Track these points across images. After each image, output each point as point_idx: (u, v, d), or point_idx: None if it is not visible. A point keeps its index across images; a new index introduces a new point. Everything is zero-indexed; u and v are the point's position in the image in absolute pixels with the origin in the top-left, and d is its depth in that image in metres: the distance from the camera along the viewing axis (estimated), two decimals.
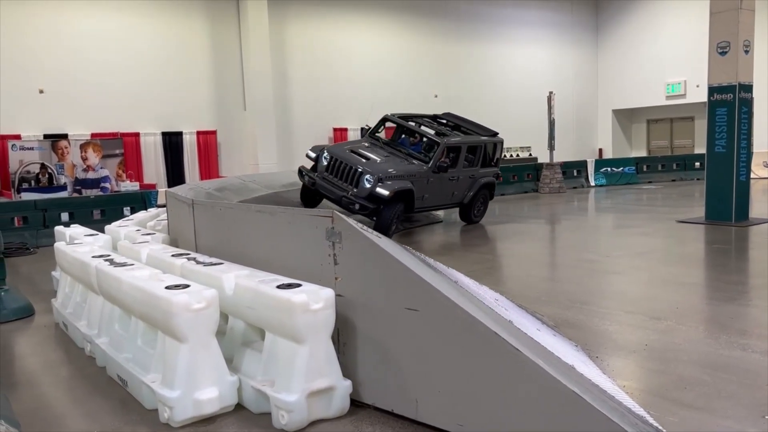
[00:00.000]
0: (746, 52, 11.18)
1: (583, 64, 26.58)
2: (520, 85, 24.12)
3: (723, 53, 11.18)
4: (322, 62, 19.81)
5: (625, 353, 4.70)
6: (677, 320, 5.39)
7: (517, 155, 23.50)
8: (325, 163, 10.29)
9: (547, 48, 25.33)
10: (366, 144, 11.18)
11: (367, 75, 20.51)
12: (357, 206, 9.82)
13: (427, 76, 21.79)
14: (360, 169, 9.96)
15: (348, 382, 3.64)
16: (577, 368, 3.48)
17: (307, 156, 10.82)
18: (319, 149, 10.68)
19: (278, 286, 3.63)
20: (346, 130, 20.26)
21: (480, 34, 23.31)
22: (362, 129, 10.44)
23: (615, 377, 4.05)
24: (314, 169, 10.49)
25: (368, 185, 9.80)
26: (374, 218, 10.17)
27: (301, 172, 10.77)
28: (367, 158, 10.42)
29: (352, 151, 10.61)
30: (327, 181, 10.25)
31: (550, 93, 19.52)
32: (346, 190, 9.98)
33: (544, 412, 2.92)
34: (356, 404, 3.71)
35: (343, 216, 3.81)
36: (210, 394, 3.57)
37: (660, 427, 3.12)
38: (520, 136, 23.67)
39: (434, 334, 3.36)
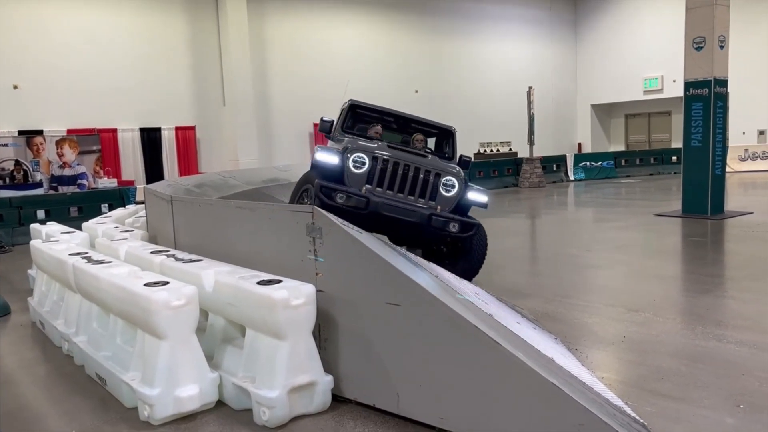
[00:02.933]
0: (721, 47, 11.34)
1: (562, 59, 26.78)
2: (500, 81, 24.25)
3: (699, 48, 11.33)
4: (303, 58, 19.73)
5: (604, 345, 4.75)
6: (655, 312, 5.47)
7: (498, 150, 23.64)
8: (366, 168, 6.08)
9: (527, 44, 25.47)
10: (364, 141, 7.23)
11: (347, 70, 20.43)
12: (456, 227, 6.11)
13: (407, 72, 21.81)
14: (433, 170, 6.27)
15: (329, 378, 3.64)
16: (556, 360, 3.51)
17: (318, 163, 6.21)
18: (339, 150, 6.32)
19: (259, 283, 3.62)
20: None
21: (460, 30, 23.37)
22: (322, 120, 7.35)
23: (594, 369, 4.09)
24: (338, 181, 6.14)
25: (452, 192, 6.28)
26: (463, 244, 6.47)
27: (319, 189, 5.89)
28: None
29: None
30: (384, 196, 6.14)
31: (530, 88, 19.64)
32: (419, 205, 6.18)
33: (523, 404, 2.95)
34: (338, 399, 3.72)
35: (323, 211, 3.81)
36: (190, 391, 3.55)
37: (638, 417, 3.16)
38: (501, 131, 23.83)
39: (415, 329, 3.38)
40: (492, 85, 24.10)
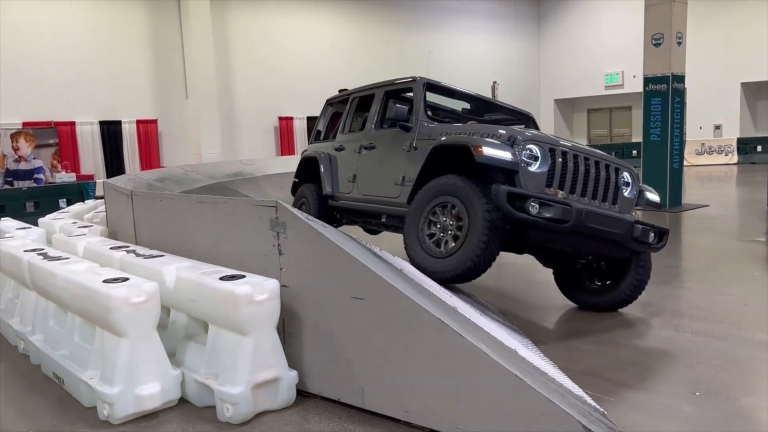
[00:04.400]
0: (679, 43, 11.60)
1: (526, 54, 27.07)
2: (465, 75, 24.30)
3: (657, 45, 11.57)
4: (267, 51, 19.52)
5: (565, 337, 4.83)
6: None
7: None
8: (542, 166, 4.58)
9: (491, 39, 25.67)
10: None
11: (313, 64, 20.32)
12: (654, 237, 4.95)
13: (373, 65, 21.74)
14: (612, 164, 4.98)
15: (294, 373, 3.62)
16: (519, 352, 3.56)
17: (486, 159, 4.46)
18: (507, 136, 4.66)
19: (221, 278, 3.57)
20: (291, 119, 20.07)
21: (426, 23, 23.42)
22: (396, 105, 5.53)
23: (556, 360, 4.15)
24: (508, 181, 4.53)
25: (631, 192, 5.10)
26: (636, 259, 5.20)
27: (506, 197, 4.29)
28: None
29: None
30: (583, 203, 4.68)
31: (494, 83, 19.83)
32: (616, 213, 4.87)
33: (487, 396, 2.98)
34: (303, 394, 3.70)
35: (287, 205, 3.78)
36: (152, 389, 3.48)
37: (598, 407, 3.23)
38: None
39: (380, 323, 3.38)
40: (458, 78, 24.10)
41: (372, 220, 6.27)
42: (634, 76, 22.82)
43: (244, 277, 3.58)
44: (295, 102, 19.97)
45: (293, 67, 19.87)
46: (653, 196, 5.34)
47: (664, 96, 11.55)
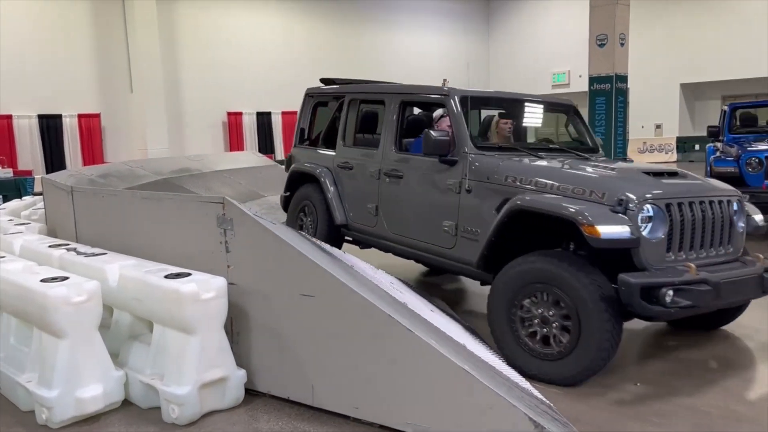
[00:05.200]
0: (622, 44, 11.95)
1: (476, 53, 27.40)
2: (416, 71, 24.39)
3: (601, 45, 11.89)
4: (215, 45, 19.17)
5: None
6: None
7: None
8: (659, 226, 3.78)
9: (442, 36, 25.88)
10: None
11: (262, 58, 20.08)
12: None
13: (323, 61, 21.60)
14: (723, 197, 4.17)
15: (242, 372, 3.57)
16: (468, 347, 3.59)
17: (608, 238, 3.61)
18: (616, 198, 3.73)
19: (166, 276, 3.48)
20: (240, 114, 19.77)
21: (377, 20, 23.43)
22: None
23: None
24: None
25: (743, 223, 4.30)
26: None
27: (638, 292, 3.52)
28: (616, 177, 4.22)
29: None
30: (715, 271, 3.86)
31: (444, 80, 19.97)
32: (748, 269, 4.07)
33: (436, 390, 3.01)
34: (251, 393, 3.65)
35: (234, 202, 3.71)
36: (93, 391, 3.37)
37: (544, 399, 3.30)
38: None
39: (330, 320, 3.37)
40: (409, 75, 24.22)
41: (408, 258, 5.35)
42: (580, 76, 23.33)
43: (190, 275, 3.50)
44: (244, 97, 19.68)
45: (242, 62, 19.59)
46: (758, 217, 4.43)
47: (608, 95, 11.89)
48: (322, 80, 6.64)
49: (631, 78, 12.78)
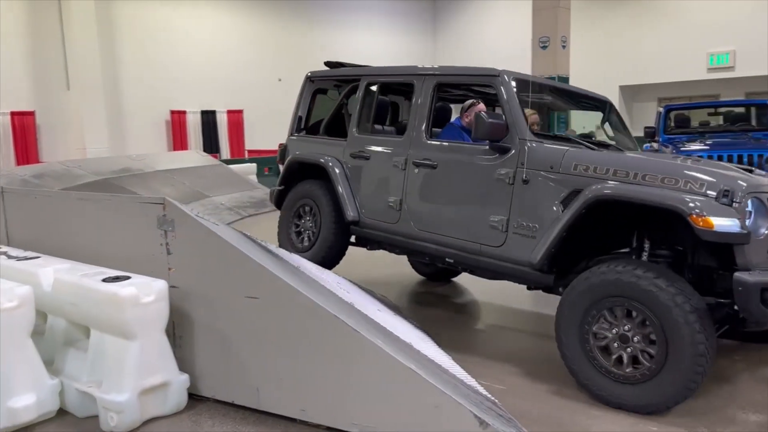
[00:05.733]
0: (563, 46, 12.26)
1: (422, 52, 27.56)
2: None
3: (544, 47, 12.16)
4: (158, 42, 18.66)
5: (461, 329, 4.96)
6: (505, 298, 5.79)
7: None
8: (761, 230, 3.37)
9: (389, 36, 25.95)
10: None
11: (206, 56, 19.66)
12: None
13: (270, 59, 21.36)
14: None
15: (185, 377, 3.48)
16: (414, 345, 3.60)
17: (718, 232, 3.22)
18: (720, 187, 3.32)
19: (104, 280, 3.37)
20: (184, 113, 19.33)
21: (324, 18, 23.30)
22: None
23: (451, 351, 4.25)
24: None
25: None
26: None
27: (759, 295, 3.14)
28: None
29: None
30: None
31: None
32: None
33: (383, 390, 3.00)
34: (195, 398, 3.57)
35: (175, 202, 3.62)
36: (26, 401, 3.22)
37: (489, 396, 3.34)
38: None
39: (275, 321, 3.33)
40: None
41: (437, 262, 4.90)
42: None
43: (129, 278, 3.39)
44: (188, 95, 19.25)
45: (187, 60, 19.13)
46: None
47: None
48: (327, 63, 5.95)
49: (573, 79, 13.11)
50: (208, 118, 19.84)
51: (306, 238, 5.45)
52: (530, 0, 12.82)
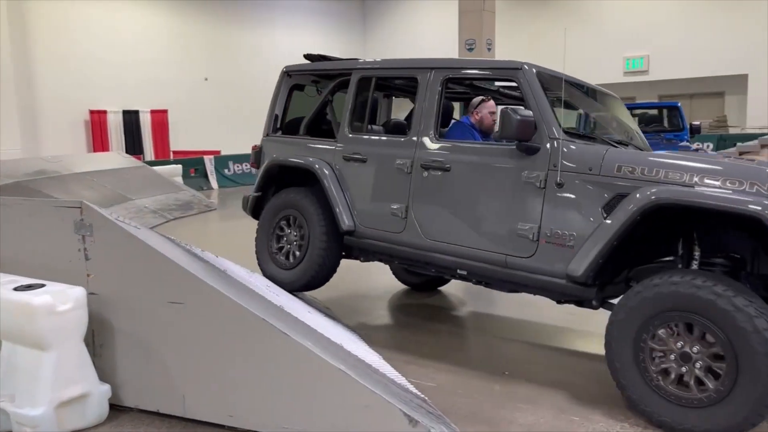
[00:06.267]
0: (488, 49, 12.56)
1: (353, 53, 27.61)
2: None
3: (470, 49, 12.42)
4: (75, 39, 17.87)
5: (392, 328, 4.99)
6: (429, 294, 5.88)
7: None
8: None
9: (319, 36, 25.82)
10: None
11: (129, 54, 18.99)
12: None
13: (196, 58, 20.85)
14: None
15: (106, 387, 3.34)
16: (345, 346, 3.61)
17: None
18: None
19: (16, 288, 3.19)
20: (105, 112, 18.60)
21: (252, 17, 22.93)
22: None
23: (381, 351, 4.28)
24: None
25: None
26: None
27: None
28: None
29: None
30: None
31: None
32: None
33: (312, 391, 2.99)
34: (117, 409, 3.43)
35: (93, 206, 3.47)
36: None
37: (419, 393, 3.38)
38: None
39: (201, 327, 3.25)
40: None
41: (445, 274, 4.52)
42: None
43: (43, 286, 3.23)
44: (109, 95, 18.53)
45: (107, 58, 18.41)
46: None
47: None
48: (307, 56, 5.41)
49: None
50: (131, 118, 19.17)
51: (291, 254, 4.86)
52: (456, 2, 13.07)
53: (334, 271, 4.81)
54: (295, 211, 4.85)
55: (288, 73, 5.35)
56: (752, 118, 17.51)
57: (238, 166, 17.72)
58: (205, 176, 16.78)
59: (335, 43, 26.70)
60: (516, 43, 22.63)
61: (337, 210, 4.57)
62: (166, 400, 3.34)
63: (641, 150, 4.16)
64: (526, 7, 22.28)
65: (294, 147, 5.09)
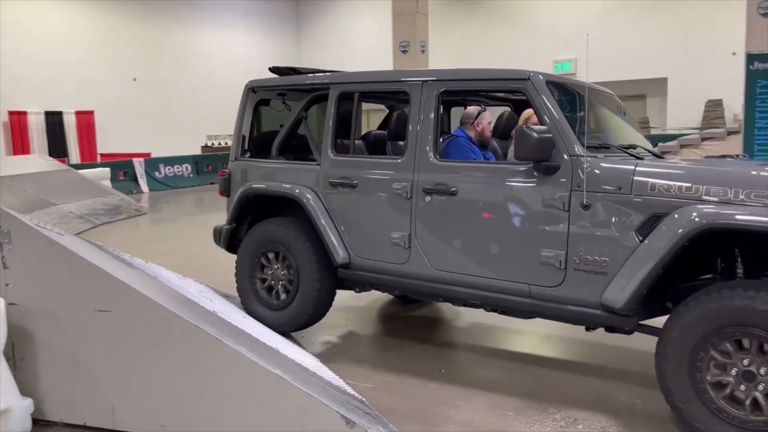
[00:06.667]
0: (422, 51, 12.70)
1: (287, 54, 27.34)
2: (226, 72, 23.74)
3: (404, 51, 12.52)
4: None
5: (329, 330, 4.97)
6: (367, 296, 5.89)
7: (227, 143, 23.21)
8: None
9: (252, 36, 25.48)
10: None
11: (51, 53, 18.17)
12: None
13: (124, 58, 20.15)
14: None
15: (28, 401, 3.19)
16: (281, 350, 3.58)
17: None
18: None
19: None
20: (25, 113, 17.74)
21: (183, 17, 22.37)
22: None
23: (318, 353, 4.27)
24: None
25: None
26: None
27: None
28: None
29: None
30: None
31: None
32: None
33: (248, 398, 2.95)
34: (41, 424, 3.28)
35: (11, 211, 3.31)
36: None
37: (356, 395, 3.39)
38: (229, 124, 23.44)
39: (130, 335, 3.15)
40: (218, 75, 23.52)
41: (456, 304, 4.19)
42: None
43: None
44: (30, 95, 17.68)
45: (26, 57, 17.54)
46: None
47: None
48: (273, 69, 4.94)
49: None
50: (54, 119, 18.35)
51: (281, 293, 4.45)
52: (390, 4, 13.15)
53: (330, 306, 4.44)
54: (280, 246, 4.40)
55: (253, 89, 4.86)
56: (672, 120, 18.40)
57: (169, 169, 17.27)
58: (135, 179, 16.27)
59: (269, 42, 26.44)
60: (450, 44, 23.01)
61: (329, 242, 4.18)
62: (94, 412, 3.21)
63: (657, 156, 3.90)
64: (458, 7, 22.67)
65: (269, 171, 4.62)
